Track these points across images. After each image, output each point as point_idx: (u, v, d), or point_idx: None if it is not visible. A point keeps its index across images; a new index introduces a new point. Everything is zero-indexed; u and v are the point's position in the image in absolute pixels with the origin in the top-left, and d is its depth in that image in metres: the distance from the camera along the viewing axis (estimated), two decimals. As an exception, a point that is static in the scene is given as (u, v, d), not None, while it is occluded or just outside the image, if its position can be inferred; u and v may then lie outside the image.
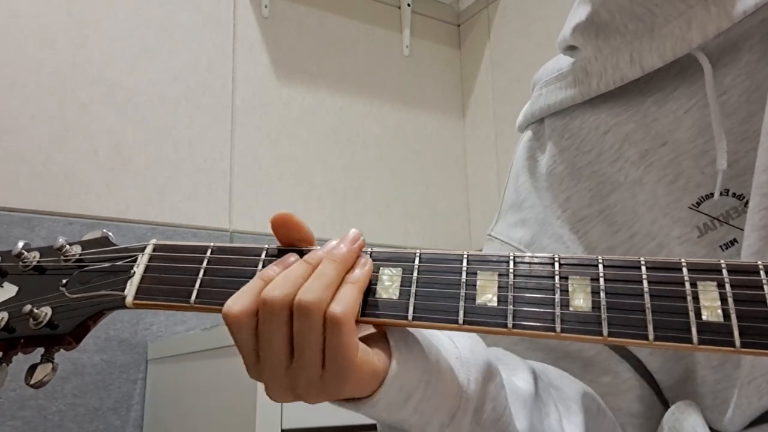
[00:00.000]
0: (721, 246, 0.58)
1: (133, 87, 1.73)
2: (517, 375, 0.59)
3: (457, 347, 0.50)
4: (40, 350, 0.44)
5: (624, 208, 0.64)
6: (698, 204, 0.59)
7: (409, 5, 2.19)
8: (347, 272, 0.45)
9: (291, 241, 0.48)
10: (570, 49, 0.70)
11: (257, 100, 1.90)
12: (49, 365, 0.43)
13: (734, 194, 0.58)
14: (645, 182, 0.62)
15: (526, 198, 0.70)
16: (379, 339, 0.46)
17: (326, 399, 0.44)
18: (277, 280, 0.43)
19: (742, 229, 0.56)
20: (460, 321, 0.42)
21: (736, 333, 0.38)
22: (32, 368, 0.43)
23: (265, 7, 1.95)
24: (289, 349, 0.43)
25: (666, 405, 0.64)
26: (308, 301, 0.42)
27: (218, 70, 1.86)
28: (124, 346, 1.59)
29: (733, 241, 0.57)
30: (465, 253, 0.44)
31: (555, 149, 0.70)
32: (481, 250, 0.49)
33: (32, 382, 0.42)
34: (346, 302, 0.42)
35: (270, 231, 1.65)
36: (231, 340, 1.31)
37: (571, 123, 0.69)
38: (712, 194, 0.58)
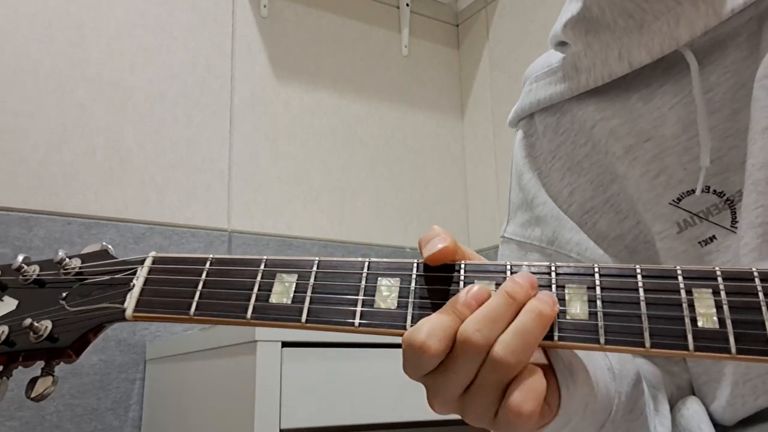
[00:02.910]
0: (700, 242, 0.59)
1: (131, 86, 1.73)
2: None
3: (606, 356, 0.50)
4: (41, 363, 0.44)
5: (625, 196, 0.64)
6: (679, 200, 0.60)
7: (407, 5, 2.19)
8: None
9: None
10: (561, 44, 0.71)
11: (256, 99, 1.90)
12: (50, 378, 0.43)
13: (715, 191, 0.59)
14: (630, 177, 0.63)
15: (536, 195, 0.70)
16: (545, 372, 0.43)
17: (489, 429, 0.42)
18: (479, 320, 0.40)
19: (722, 226, 0.58)
20: (457, 331, 0.42)
21: (731, 340, 0.38)
22: (33, 381, 0.43)
23: (264, 6, 1.95)
24: (470, 384, 0.41)
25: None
26: (505, 361, 0.39)
27: (217, 69, 1.86)
28: (122, 346, 1.59)
29: (712, 238, 0.58)
30: (462, 263, 0.45)
31: (551, 145, 0.70)
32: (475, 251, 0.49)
33: (33, 395, 0.42)
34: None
35: (268, 231, 1.66)
36: (229, 341, 1.29)
37: (563, 118, 0.69)
38: (693, 190, 0.59)
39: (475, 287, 0.42)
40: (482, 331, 0.40)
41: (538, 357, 0.45)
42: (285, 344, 1.11)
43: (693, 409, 0.59)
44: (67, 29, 1.67)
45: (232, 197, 1.81)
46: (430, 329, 0.40)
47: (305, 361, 1.12)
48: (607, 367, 0.50)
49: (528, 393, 0.39)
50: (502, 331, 0.40)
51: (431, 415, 1.17)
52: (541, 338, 0.40)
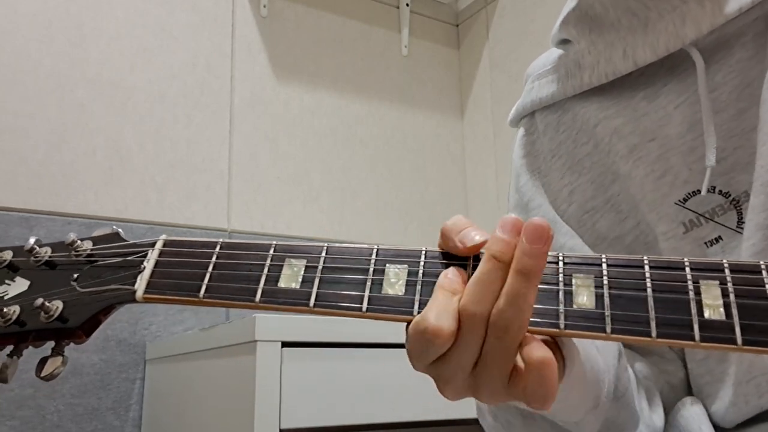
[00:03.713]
0: (706, 243, 0.59)
1: (131, 86, 1.73)
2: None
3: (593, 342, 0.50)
4: (51, 344, 0.45)
5: (627, 196, 0.64)
6: (685, 200, 0.60)
7: (407, 5, 2.19)
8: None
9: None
10: (563, 42, 0.71)
11: (256, 99, 1.90)
12: (59, 358, 0.43)
13: (720, 191, 0.58)
14: (634, 176, 0.63)
15: (532, 198, 0.70)
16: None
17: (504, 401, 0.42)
18: (473, 291, 0.40)
19: (727, 227, 0.58)
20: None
21: (737, 331, 0.38)
22: (43, 361, 0.44)
23: (264, 6, 1.95)
24: (479, 356, 0.40)
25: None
26: (504, 326, 0.39)
27: (217, 69, 1.86)
28: (122, 346, 1.59)
29: (718, 238, 0.58)
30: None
31: (552, 144, 0.70)
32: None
33: (43, 374, 0.43)
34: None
35: (268, 231, 1.66)
36: (229, 341, 1.29)
37: (564, 116, 0.69)
38: (698, 191, 0.59)
39: (452, 269, 0.42)
40: (480, 301, 0.39)
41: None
42: (285, 344, 1.10)
43: (693, 411, 0.59)
44: (67, 29, 1.67)
45: (232, 197, 1.81)
46: (438, 312, 0.39)
47: (305, 361, 1.12)
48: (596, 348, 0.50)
49: (539, 343, 0.39)
50: (498, 294, 0.40)
51: (431, 415, 1.17)
52: (534, 293, 0.39)
